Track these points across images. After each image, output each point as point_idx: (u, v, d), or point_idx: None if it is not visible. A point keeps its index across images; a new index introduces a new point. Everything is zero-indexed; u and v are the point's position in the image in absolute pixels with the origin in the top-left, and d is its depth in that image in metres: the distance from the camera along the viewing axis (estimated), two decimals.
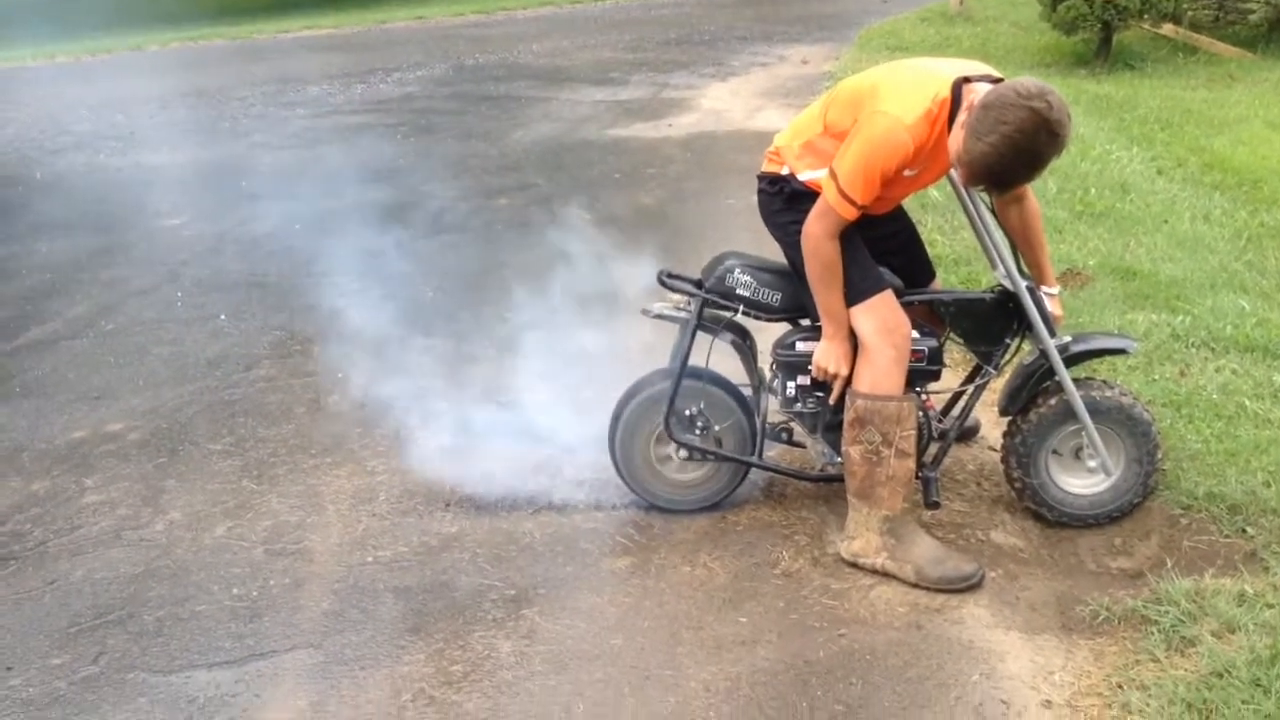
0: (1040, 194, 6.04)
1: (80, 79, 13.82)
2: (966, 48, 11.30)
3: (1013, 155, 2.53)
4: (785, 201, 3.04)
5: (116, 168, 8.58)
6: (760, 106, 9.57)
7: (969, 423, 3.59)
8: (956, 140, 2.64)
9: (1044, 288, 3.09)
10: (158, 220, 7.06)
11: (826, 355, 2.98)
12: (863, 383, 2.91)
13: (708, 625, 2.80)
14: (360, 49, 13.96)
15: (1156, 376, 3.86)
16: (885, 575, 2.97)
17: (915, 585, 2.92)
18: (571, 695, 2.56)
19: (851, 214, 2.78)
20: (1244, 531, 3.02)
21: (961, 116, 2.64)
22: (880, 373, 2.89)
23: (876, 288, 2.92)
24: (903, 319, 2.92)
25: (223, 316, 5.18)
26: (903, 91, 2.72)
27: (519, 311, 4.92)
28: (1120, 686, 2.48)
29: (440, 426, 3.70)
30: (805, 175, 2.97)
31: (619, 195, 7.06)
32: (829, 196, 2.78)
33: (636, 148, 8.35)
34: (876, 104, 2.71)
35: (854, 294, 2.91)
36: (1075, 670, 2.58)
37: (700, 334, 3.19)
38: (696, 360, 3.18)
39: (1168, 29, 10.82)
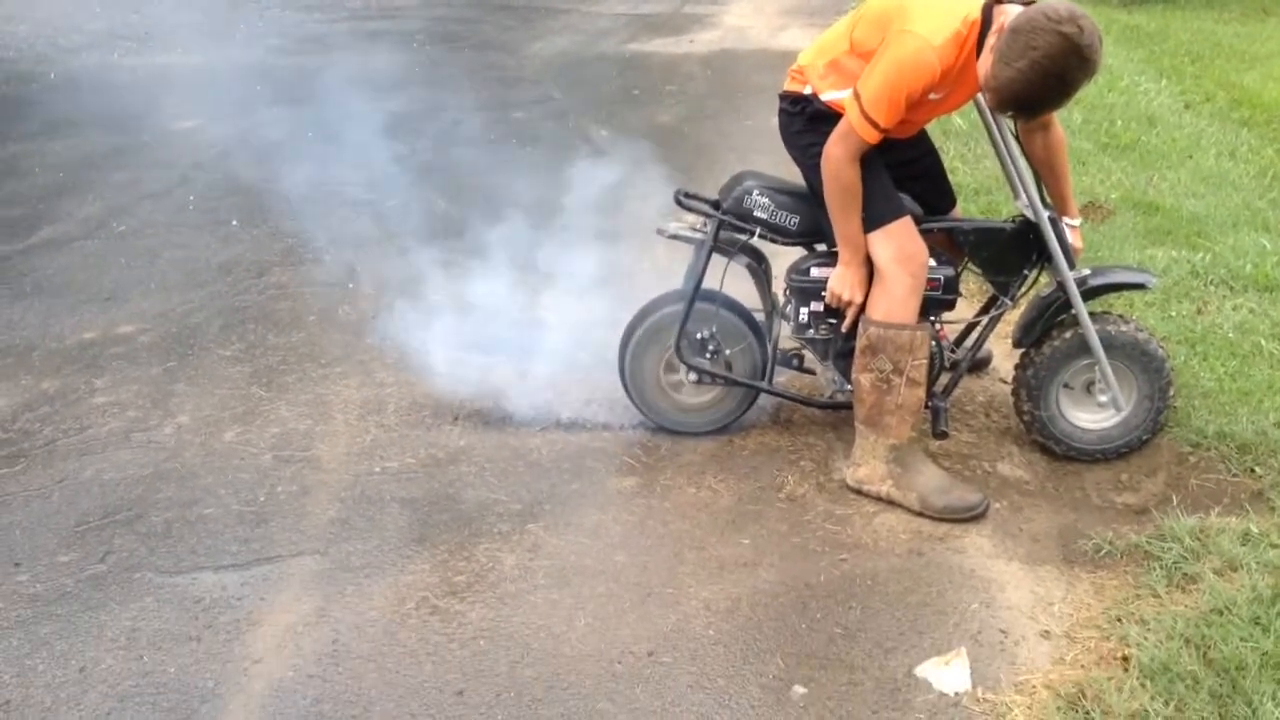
0: (1065, 124, 5.91)
1: None
2: None
3: (1041, 81, 2.47)
4: (807, 122, 2.99)
5: (131, 68, 8.47)
6: (784, 25, 9.41)
7: (981, 354, 3.57)
8: (985, 64, 2.58)
9: (1065, 219, 3.04)
10: (171, 122, 6.99)
11: (841, 281, 2.94)
12: (877, 310, 2.88)
13: (710, 546, 2.81)
14: None
15: (1173, 313, 3.82)
16: (890, 503, 2.97)
17: (919, 514, 2.92)
18: (573, 608, 2.59)
19: (874, 137, 2.73)
20: (1252, 471, 3.01)
21: (991, 40, 2.58)
22: (895, 301, 2.85)
23: (896, 214, 2.87)
24: (921, 247, 2.88)
25: (235, 222, 5.14)
26: (932, 12, 2.65)
27: (532, 227, 4.88)
28: (1119, 620, 2.49)
29: (450, 340, 3.69)
30: (828, 95, 2.91)
31: (637, 112, 6.97)
32: (851, 118, 2.73)
33: (656, 64, 8.22)
34: (905, 23, 2.64)
35: (872, 219, 2.86)
36: (1075, 602, 2.59)
37: (715, 256, 3.16)
38: (710, 283, 3.16)
39: None
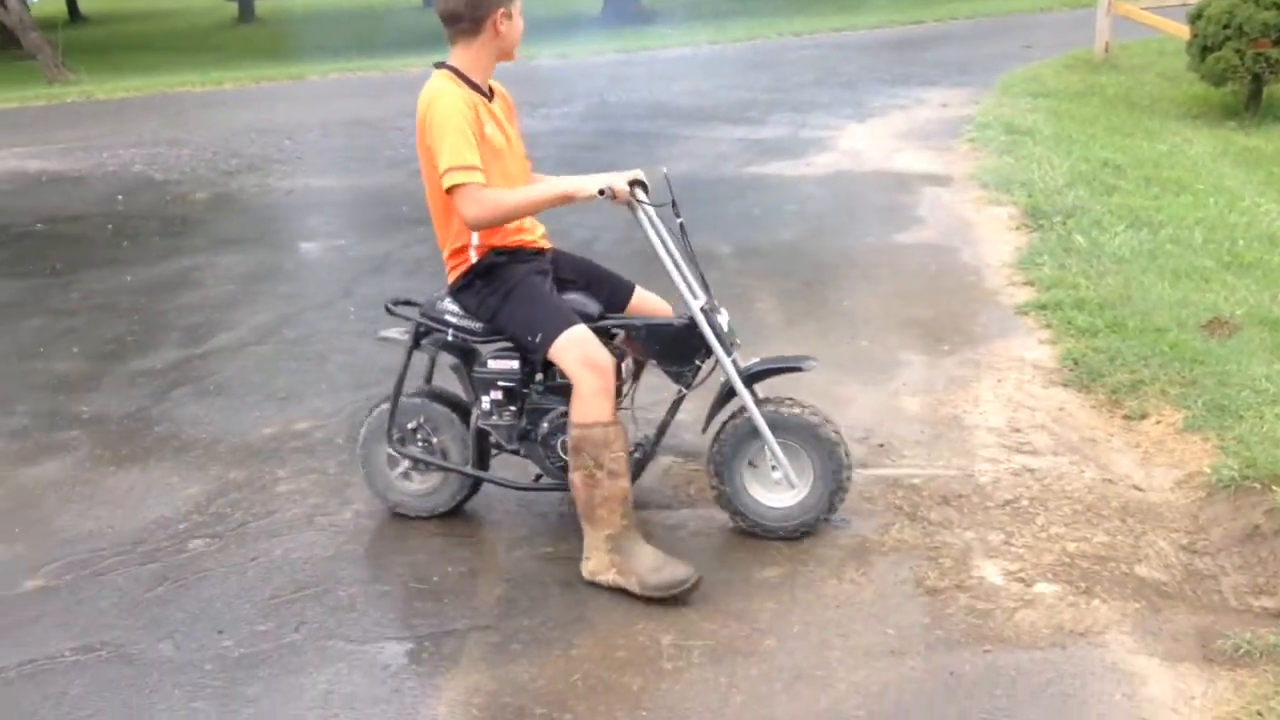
0: (1187, 243, 6.05)
1: (246, 104, 14.66)
2: (1110, 95, 11.23)
3: None
4: (483, 281, 3.31)
5: (287, 190, 9.14)
6: (898, 148, 9.67)
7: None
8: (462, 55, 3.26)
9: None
10: (326, 240, 7.55)
11: (588, 188, 3.13)
12: (576, 413, 3.15)
13: (856, 635, 2.97)
14: (505, 84, 14.51)
15: None
16: (618, 589, 3.15)
17: (641, 596, 3.10)
18: (728, 688, 2.77)
19: (477, 174, 3.06)
20: None
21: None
22: (586, 402, 3.12)
23: (568, 322, 3.18)
24: (601, 349, 3.17)
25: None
26: (427, 98, 3.18)
27: None
28: (1260, 714, 2.57)
29: None
30: (473, 239, 3.28)
31: (758, 230, 7.25)
32: (456, 181, 3.05)
33: (775, 185, 8.53)
34: (428, 110, 3.15)
35: (548, 333, 3.17)
36: (1215, 698, 2.67)
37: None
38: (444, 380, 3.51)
39: None
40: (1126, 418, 4.17)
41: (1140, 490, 3.66)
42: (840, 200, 7.91)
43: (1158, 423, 4.07)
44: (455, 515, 3.66)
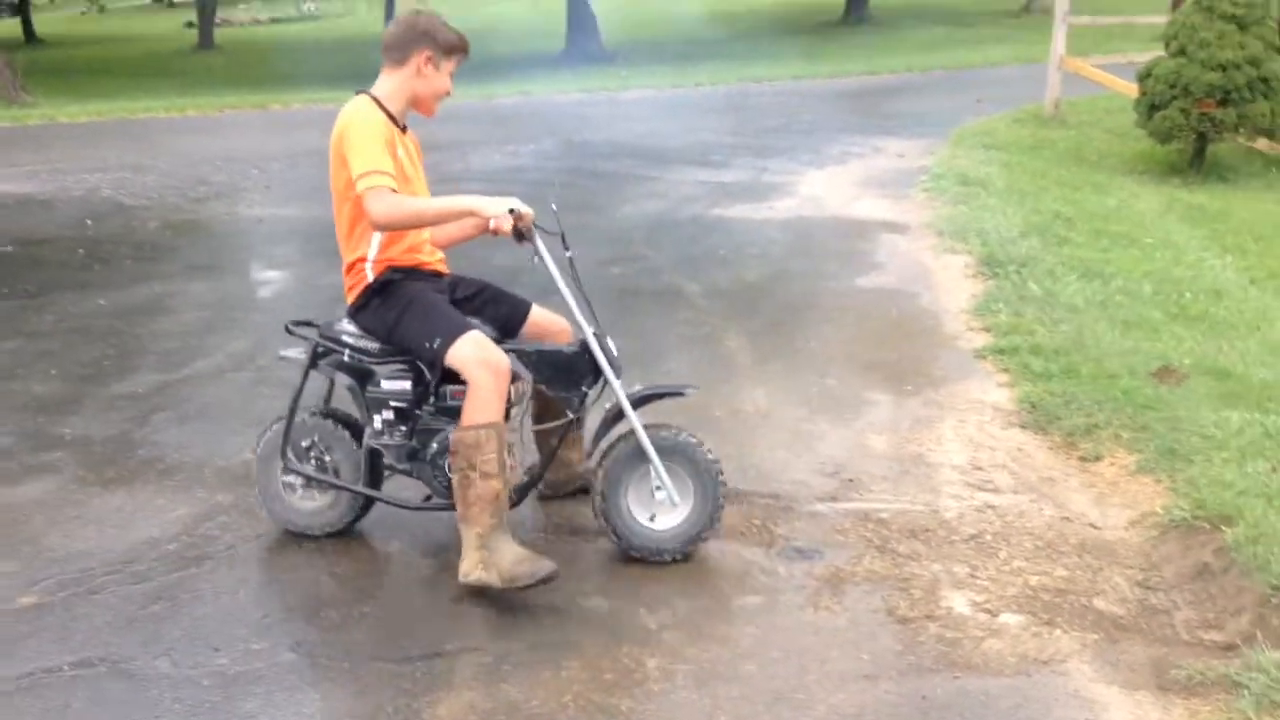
0: (1136, 294, 6.32)
1: (210, 132, 14.66)
2: (1060, 150, 11.61)
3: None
4: (379, 297, 3.47)
5: (257, 218, 9.20)
6: (857, 195, 9.93)
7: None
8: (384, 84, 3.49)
9: None
10: (296, 269, 7.62)
11: (495, 207, 3.34)
12: (466, 416, 3.30)
13: (833, 660, 3.11)
14: (471, 121, 14.58)
15: (1249, 470, 4.09)
16: (485, 586, 3.28)
17: (503, 588, 3.26)
18: (713, 709, 2.89)
19: (391, 180, 3.23)
20: None
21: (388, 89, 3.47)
22: (479, 402, 3.28)
23: (465, 328, 3.35)
24: (497, 351, 3.34)
25: None
26: (353, 112, 3.39)
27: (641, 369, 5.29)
28: None
29: None
30: (371, 251, 3.46)
31: (724, 270, 7.43)
32: (370, 184, 3.22)
33: (739, 227, 8.73)
34: (344, 124, 3.37)
35: (445, 337, 3.32)
36: None
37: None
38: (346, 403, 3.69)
39: (1262, 144, 11.03)
40: (1082, 459, 4.38)
41: (1096, 528, 3.85)
42: (802, 244, 8.11)
43: (1112, 464, 4.29)
44: (440, 541, 3.76)
